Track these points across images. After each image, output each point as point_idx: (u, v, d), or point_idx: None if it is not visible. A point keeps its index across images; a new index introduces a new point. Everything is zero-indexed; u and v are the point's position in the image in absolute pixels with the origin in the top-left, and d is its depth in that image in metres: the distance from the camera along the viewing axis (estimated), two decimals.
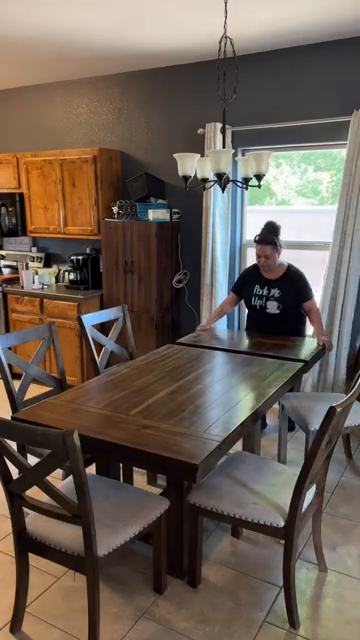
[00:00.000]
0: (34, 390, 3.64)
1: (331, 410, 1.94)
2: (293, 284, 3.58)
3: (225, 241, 4.40)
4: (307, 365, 3.14)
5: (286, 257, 3.71)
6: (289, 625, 2.15)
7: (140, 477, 3.23)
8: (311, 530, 2.65)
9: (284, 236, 3.61)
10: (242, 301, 3.87)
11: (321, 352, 3.33)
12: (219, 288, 4.42)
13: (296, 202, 4.46)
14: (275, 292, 3.60)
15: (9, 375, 2.81)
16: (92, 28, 3.54)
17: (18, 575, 2.11)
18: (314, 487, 2.34)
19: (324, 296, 3.98)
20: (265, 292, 3.64)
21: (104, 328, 4.45)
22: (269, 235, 3.51)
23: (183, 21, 3.39)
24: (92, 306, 4.71)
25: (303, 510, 2.15)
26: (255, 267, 3.73)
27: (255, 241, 3.56)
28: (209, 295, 4.47)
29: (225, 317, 4.38)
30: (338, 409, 1.95)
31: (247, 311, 3.84)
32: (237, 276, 4.54)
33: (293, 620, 2.14)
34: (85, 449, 2.03)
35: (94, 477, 2.35)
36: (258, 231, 3.60)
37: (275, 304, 3.61)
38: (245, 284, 3.77)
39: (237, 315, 4.64)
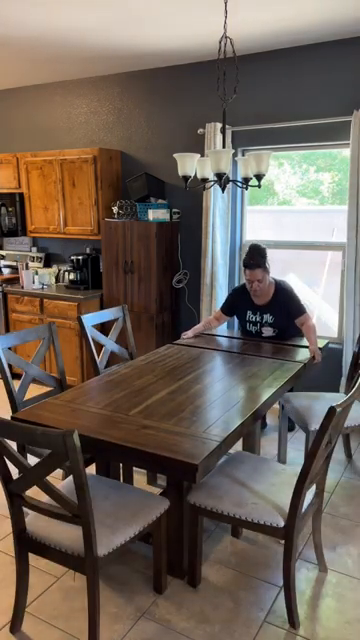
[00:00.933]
0: (34, 390, 3.63)
1: (331, 410, 1.94)
2: (284, 304, 3.47)
3: (225, 241, 4.40)
4: (305, 368, 3.14)
5: (286, 257, 3.69)
6: (289, 625, 2.15)
7: (140, 477, 3.23)
8: (311, 530, 2.64)
9: (285, 236, 3.58)
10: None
11: (311, 362, 3.28)
12: (219, 288, 4.42)
13: (297, 202, 4.46)
14: (268, 318, 3.53)
15: (9, 375, 2.81)
16: (92, 28, 3.54)
17: (18, 575, 2.11)
18: (314, 487, 2.34)
19: (347, 299, 3.89)
20: (258, 318, 3.57)
21: (104, 328, 4.45)
22: (257, 258, 3.38)
23: (183, 21, 3.39)
24: (92, 306, 4.71)
25: (303, 510, 2.15)
26: (244, 289, 3.59)
27: (244, 266, 3.42)
28: (209, 295, 4.47)
29: None
30: (338, 409, 1.95)
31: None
32: (237, 278, 4.56)
33: (293, 620, 2.14)
34: (85, 449, 2.03)
35: (94, 477, 2.35)
36: (261, 232, 3.52)
37: (270, 329, 3.56)
38: (235, 306, 3.68)
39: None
